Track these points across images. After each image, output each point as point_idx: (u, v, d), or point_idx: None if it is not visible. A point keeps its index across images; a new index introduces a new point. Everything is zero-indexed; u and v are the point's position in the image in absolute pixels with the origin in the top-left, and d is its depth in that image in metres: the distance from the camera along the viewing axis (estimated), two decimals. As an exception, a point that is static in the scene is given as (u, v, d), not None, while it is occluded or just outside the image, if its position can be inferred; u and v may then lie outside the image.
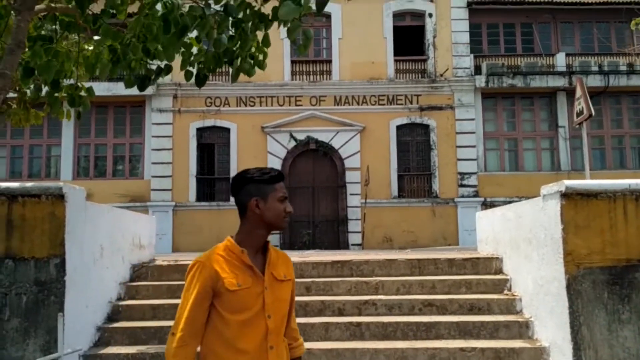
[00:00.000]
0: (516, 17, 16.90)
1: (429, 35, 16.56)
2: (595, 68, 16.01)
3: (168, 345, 2.04)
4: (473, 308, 5.99)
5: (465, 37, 16.52)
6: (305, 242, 15.03)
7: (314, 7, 4.23)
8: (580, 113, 9.20)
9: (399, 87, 16.20)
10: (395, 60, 16.49)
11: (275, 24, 4.79)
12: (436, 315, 5.91)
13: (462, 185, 15.82)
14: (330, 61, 16.47)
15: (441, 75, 16.26)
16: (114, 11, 4.84)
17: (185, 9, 4.43)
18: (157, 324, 5.80)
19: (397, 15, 16.77)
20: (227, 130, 16.10)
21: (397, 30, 16.69)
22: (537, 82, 15.97)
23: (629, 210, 4.85)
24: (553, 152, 16.31)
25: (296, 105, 16.15)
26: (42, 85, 5.81)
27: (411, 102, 16.19)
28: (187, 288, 2.08)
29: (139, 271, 6.91)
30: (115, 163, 16.43)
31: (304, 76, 16.42)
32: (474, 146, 15.99)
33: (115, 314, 6.12)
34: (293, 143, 15.91)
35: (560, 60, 16.21)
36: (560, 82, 15.95)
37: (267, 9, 4.78)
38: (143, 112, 16.26)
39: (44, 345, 4.93)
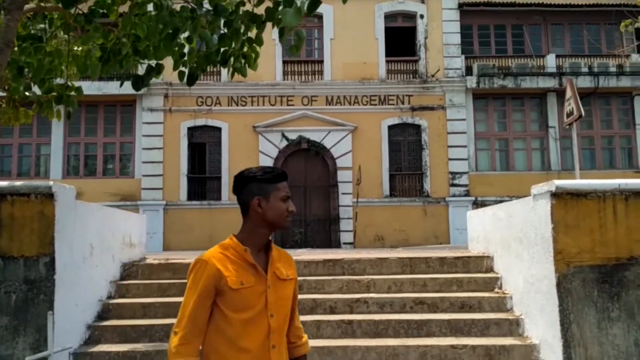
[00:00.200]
0: (507, 19, 16.99)
1: (420, 36, 16.61)
2: (585, 69, 16.13)
3: (170, 343, 2.01)
4: (464, 306, 6.01)
5: (457, 39, 16.58)
6: (297, 241, 15.03)
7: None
8: (570, 114, 9.27)
9: (391, 88, 16.24)
10: (387, 61, 16.52)
11: (269, 24, 4.79)
12: (427, 313, 5.94)
13: (453, 185, 15.88)
14: (322, 61, 16.48)
15: (432, 75, 16.31)
16: (105, 11, 4.83)
17: (177, 8, 4.42)
18: (147, 322, 5.77)
19: (389, 16, 16.81)
20: (219, 129, 16.06)
21: (388, 31, 16.73)
22: (528, 83, 16.07)
23: (618, 210, 4.89)
24: (543, 152, 16.42)
25: (288, 105, 16.14)
26: (32, 84, 5.78)
27: (403, 103, 16.23)
28: (190, 286, 2.05)
29: (130, 270, 6.88)
30: (106, 162, 16.34)
31: (296, 76, 16.41)
32: (465, 146, 16.06)
33: (105, 312, 6.09)
34: (285, 142, 15.90)
35: (551, 62, 16.32)
36: (551, 83, 16.06)
37: (260, 10, 4.78)
38: (134, 111, 16.18)
39: (34, 343, 4.90)
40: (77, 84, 5.71)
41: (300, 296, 6.22)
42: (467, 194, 15.80)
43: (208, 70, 5.30)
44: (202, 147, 16.20)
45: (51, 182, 5.23)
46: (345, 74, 16.23)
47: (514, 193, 13.49)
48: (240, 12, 4.75)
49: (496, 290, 6.31)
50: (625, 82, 16.08)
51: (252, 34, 4.97)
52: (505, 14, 16.88)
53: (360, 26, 16.42)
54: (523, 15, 16.88)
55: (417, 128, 16.25)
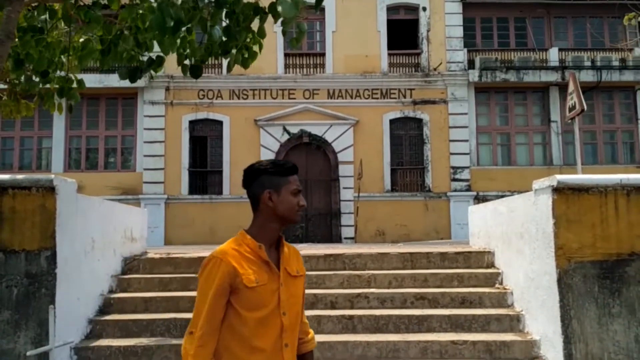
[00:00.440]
0: (510, 12, 16.89)
1: (422, 29, 16.53)
2: (588, 63, 16.05)
3: (187, 345, 1.94)
4: (465, 301, 6.01)
5: (459, 32, 16.50)
6: (298, 236, 15.03)
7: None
8: (572, 108, 9.24)
9: (393, 81, 16.19)
10: (389, 54, 16.45)
11: (271, 17, 4.75)
12: (428, 309, 5.94)
13: (454, 180, 15.85)
14: (323, 54, 16.41)
15: (435, 69, 16.25)
16: (106, 2, 4.80)
17: (178, 0, 4.39)
18: (149, 317, 5.78)
19: (391, 9, 16.72)
20: (220, 123, 16.03)
21: (391, 23, 16.64)
22: (530, 77, 16.00)
23: (620, 205, 4.88)
24: (545, 147, 16.37)
25: (289, 98, 16.09)
26: (33, 77, 5.76)
27: (404, 96, 16.18)
28: (203, 284, 1.98)
29: (131, 264, 6.89)
30: (107, 155, 16.33)
31: (298, 69, 16.35)
32: (466, 140, 16.02)
33: (106, 306, 6.10)
34: (286, 136, 15.87)
35: (553, 55, 16.24)
36: (553, 77, 15.99)
37: (263, 2, 4.75)
38: (135, 105, 16.15)
39: (35, 337, 4.91)
40: (79, 76, 5.69)
41: (301, 291, 6.25)
42: (469, 189, 15.77)
43: (209, 63, 5.28)
44: (204, 140, 16.17)
45: (52, 176, 5.23)
46: (347, 67, 16.17)
47: (516, 188, 13.46)
48: (243, 4, 4.72)
49: (497, 285, 6.31)
50: (628, 76, 16.00)
51: (255, 26, 4.93)
52: (508, 7, 16.78)
53: (362, 19, 16.33)
54: (526, 8, 16.79)
55: (419, 122, 16.20)
